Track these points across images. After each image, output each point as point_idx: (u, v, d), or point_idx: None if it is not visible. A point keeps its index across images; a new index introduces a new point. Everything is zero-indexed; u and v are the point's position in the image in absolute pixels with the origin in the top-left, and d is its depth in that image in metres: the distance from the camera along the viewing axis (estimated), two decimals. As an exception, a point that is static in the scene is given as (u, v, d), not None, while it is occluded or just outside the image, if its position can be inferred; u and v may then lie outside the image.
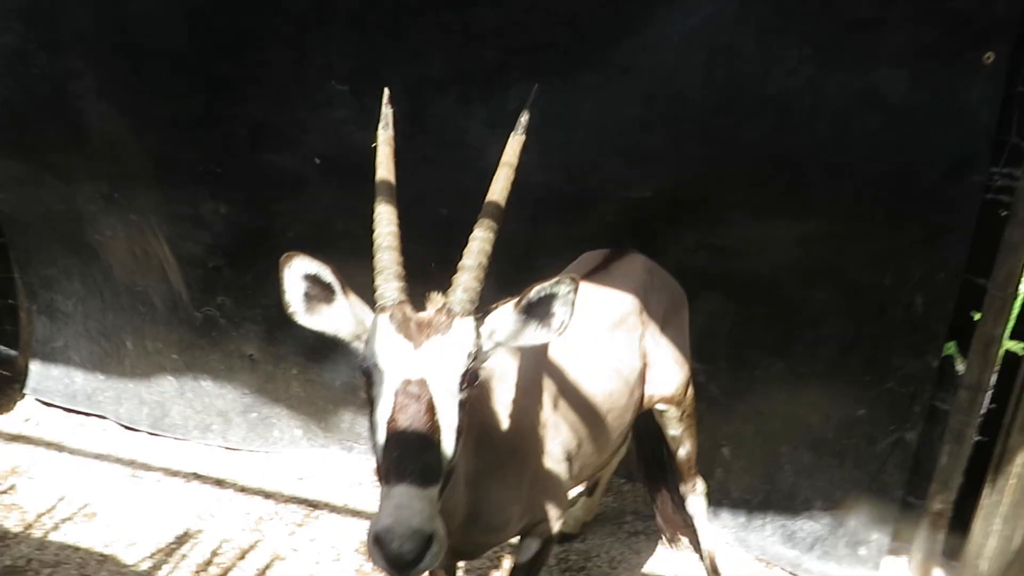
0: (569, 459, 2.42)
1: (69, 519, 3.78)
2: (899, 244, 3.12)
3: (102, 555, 3.55)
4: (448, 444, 1.65)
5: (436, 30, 3.37)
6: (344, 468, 4.22)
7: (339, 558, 3.56)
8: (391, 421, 1.62)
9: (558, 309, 1.83)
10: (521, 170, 3.39)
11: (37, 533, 3.67)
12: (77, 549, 3.58)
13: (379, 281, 1.84)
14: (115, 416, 4.51)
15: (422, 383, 1.65)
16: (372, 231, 2.04)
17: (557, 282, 1.81)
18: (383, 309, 1.78)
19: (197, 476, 4.12)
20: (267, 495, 4.00)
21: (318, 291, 1.86)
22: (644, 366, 2.82)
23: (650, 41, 3.14)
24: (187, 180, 3.92)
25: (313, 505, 3.93)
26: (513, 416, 2.20)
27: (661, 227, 3.43)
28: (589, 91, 3.30)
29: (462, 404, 1.71)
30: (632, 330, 2.77)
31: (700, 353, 3.43)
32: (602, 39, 3.22)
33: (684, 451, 3.21)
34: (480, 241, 1.93)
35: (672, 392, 2.95)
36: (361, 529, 3.74)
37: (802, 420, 3.47)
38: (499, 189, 2.10)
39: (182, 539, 3.66)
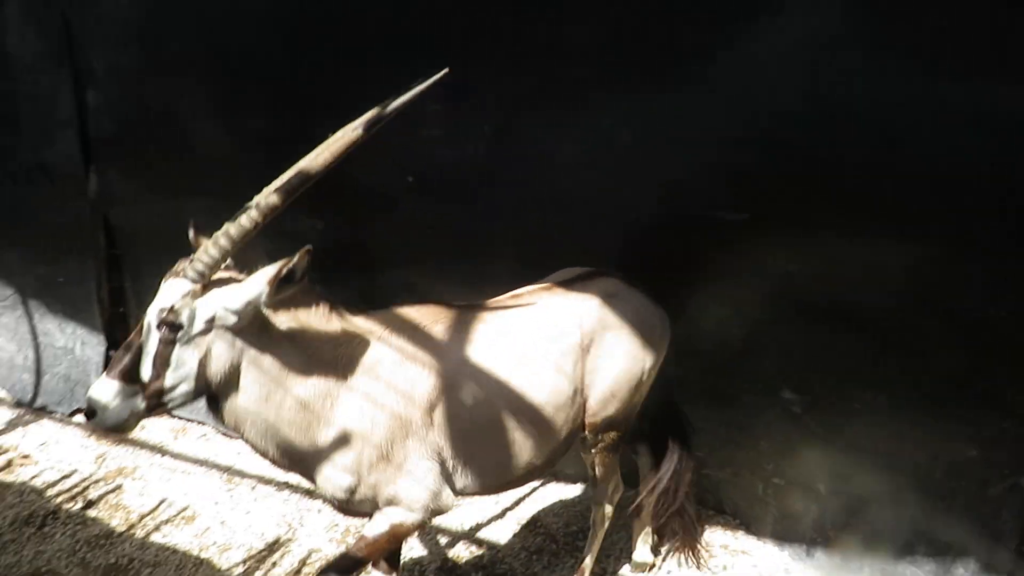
0: (436, 459, 2.54)
1: (169, 521, 3.94)
2: (1017, 271, 2.90)
3: (198, 558, 3.68)
4: (145, 366, 2.22)
5: (526, 49, 3.37)
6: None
7: (423, 574, 3.58)
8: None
9: (299, 268, 2.23)
10: (606, 190, 3.34)
11: (139, 533, 3.84)
12: (175, 551, 3.73)
13: None
14: (214, 423, 4.68)
15: (143, 320, 2.24)
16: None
17: (300, 258, 2.21)
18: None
19: (288, 486, 4.23)
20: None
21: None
22: (578, 390, 2.77)
23: (748, 58, 3.04)
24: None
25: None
26: (346, 400, 2.44)
27: (756, 252, 3.31)
28: (681, 109, 3.23)
29: (164, 340, 2.21)
30: (568, 352, 2.73)
31: (797, 383, 3.29)
32: (697, 56, 3.14)
33: (598, 471, 3.11)
34: (230, 225, 2.22)
35: (598, 418, 2.86)
36: (442, 549, 3.75)
37: (907, 459, 3.26)
38: (285, 175, 2.28)
39: (273, 547, 3.75)
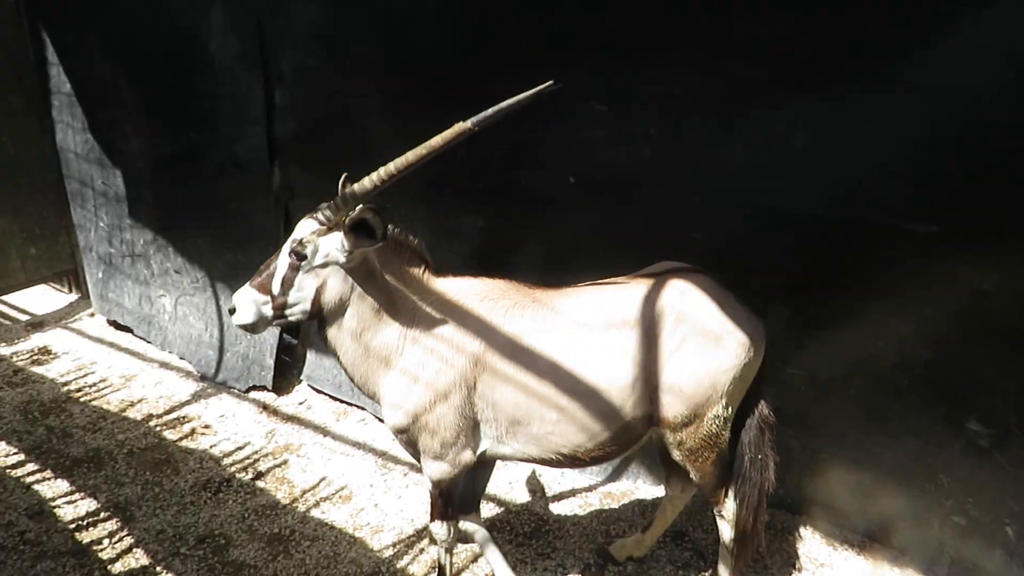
0: (473, 419, 2.84)
1: (328, 499, 4.15)
2: None
3: (352, 537, 3.84)
4: (276, 281, 2.72)
5: (696, 47, 3.26)
6: (574, 487, 4.22)
7: (566, 574, 3.56)
8: None
9: (374, 226, 2.56)
10: (772, 193, 3.19)
11: (301, 508, 4.07)
12: (332, 527, 3.92)
13: None
14: (373, 409, 4.89)
15: (279, 251, 2.75)
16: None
17: (362, 210, 2.54)
18: None
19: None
20: (501, 503, 4.10)
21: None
22: (642, 379, 2.74)
23: (947, 54, 2.79)
24: (450, 194, 4.15)
25: (543, 520, 3.96)
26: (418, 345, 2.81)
27: (945, 266, 3.03)
28: (866, 111, 3.01)
29: (291, 266, 2.70)
30: (633, 340, 2.73)
31: (986, 414, 2.98)
32: (886, 53, 2.92)
33: (694, 476, 2.98)
34: (356, 185, 2.58)
35: (669, 414, 2.78)
36: (581, 552, 3.70)
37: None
38: (408, 155, 2.53)
39: (421, 533, 3.86)
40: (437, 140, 2.51)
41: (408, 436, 2.92)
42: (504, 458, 2.98)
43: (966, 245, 2.96)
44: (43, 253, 6.31)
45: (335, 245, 2.67)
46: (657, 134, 3.50)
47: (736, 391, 2.80)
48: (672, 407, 2.76)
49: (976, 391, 2.95)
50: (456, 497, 3.08)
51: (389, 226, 2.62)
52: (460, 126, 2.51)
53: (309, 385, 5.21)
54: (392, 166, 2.52)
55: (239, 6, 4.51)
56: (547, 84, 2.57)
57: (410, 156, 2.51)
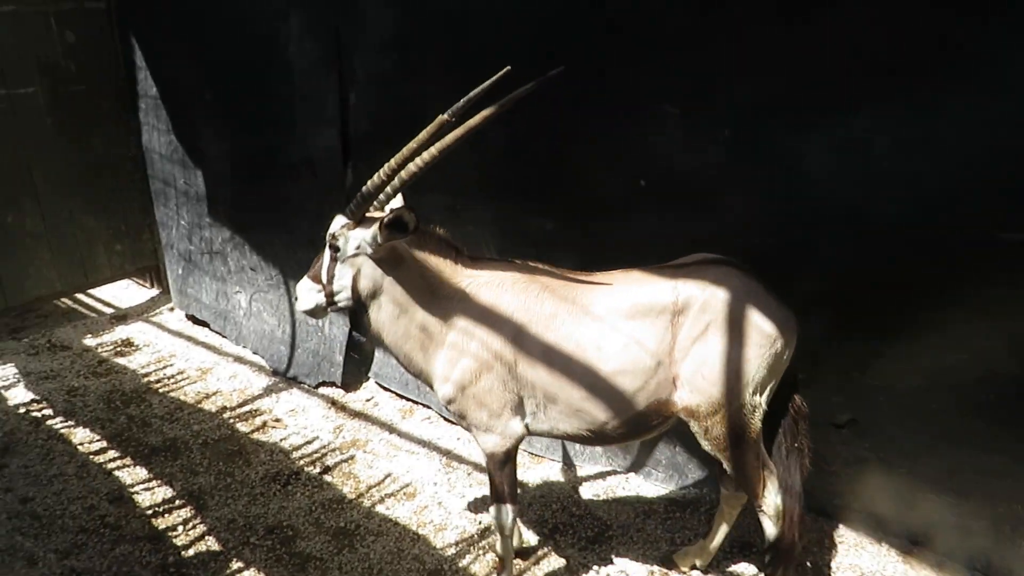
0: (515, 394, 3.00)
1: (392, 495, 4.20)
2: None
3: (416, 534, 3.88)
4: (323, 271, 3.03)
5: (776, 49, 3.19)
6: (639, 493, 4.17)
7: (627, 584, 3.52)
8: None
9: (408, 222, 2.78)
10: (851, 200, 3.10)
11: (366, 503, 4.14)
12: (396, 524, 3.96)
13: None
14: (438, 408, 4.93)
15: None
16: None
17: (400, 211, 2.76)
18: None
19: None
20: (563, 506, 4.08)
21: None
22: (662, 365, 2.84)
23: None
24: (518, 195, 4.16)
25: (607, 525, 3.93)
26: (461, 330, 3.00)
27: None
28: (956, 114, 2.89)
29: (331, 257, 3.00)
30: (651, 325, 2.84)
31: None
32: (979, 54, 2.80)
33: (727, 467, 3.02)
34: (371, 181, 2.86)
35: (691, 405, 2.86)
36: (645, 559, 3.65)
37: None
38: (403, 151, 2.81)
39: (483, 534, 3.87)
40: (422, 135, 2.78)
41: (458, 407, 3.09)
42: (542, 434, 3.12)
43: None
44: (128, 249, 6.58)
45: (364, 237, 2.93)
46: (730, 137, 3.44)
47: (764, 382, 2.83)
48: (695, 395, 2.84)
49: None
50: (514, 476, 3.20)
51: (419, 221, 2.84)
52: (440, 118, 2.75)
53: (376, 382, 5.29)
54: (387, 166, 2.82)
55: (316, 12, 4.62)
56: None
57: (404, 151, 2.80)
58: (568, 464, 4.45)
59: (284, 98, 4.96)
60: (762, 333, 2.78)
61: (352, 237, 2.95)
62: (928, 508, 3.50)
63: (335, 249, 2.99)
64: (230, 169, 5.53)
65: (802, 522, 3.05)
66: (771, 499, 3.00)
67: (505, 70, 2.75)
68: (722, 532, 3.46)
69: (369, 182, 2.85)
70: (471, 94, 2.77)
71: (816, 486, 3.77)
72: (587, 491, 4.21)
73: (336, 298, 3.06)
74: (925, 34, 2.89)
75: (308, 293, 3.09)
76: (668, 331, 2.82)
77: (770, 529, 3.05)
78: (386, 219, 2.80)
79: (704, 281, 2.83)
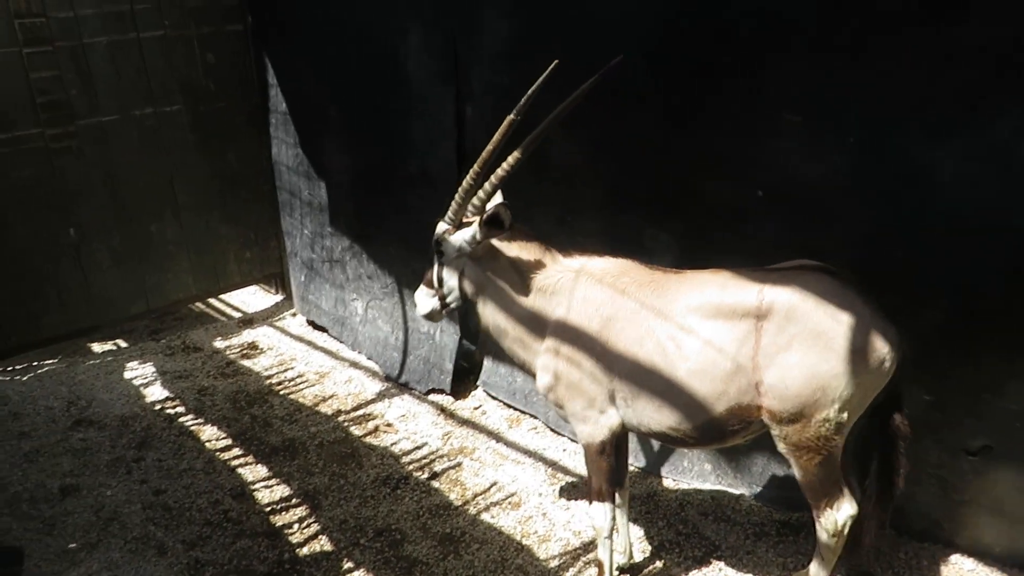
0: (607, 385, 3.05)
1: (498, 504, 4.23)
2: None
3: (520, 544, 3.89)
4: (433, 277, 3.29)
5: (908, 51, 3.02)
6: (750, 515, 4.02)
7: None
8: None
9: (504, 219, 2.99)
10: (999, 214, 2.91)
11: (472, 510, 4.18)
12: (501, 532, 3.98)
13: None
14: (544, 418, 4.93)
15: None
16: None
17: (497, 205, 2.97)
18: None
19: (608, 490, 4.29)
20: (669, 524, 3.99)
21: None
22: (743, 369, 2.78)
23: None
24: (631, 206, 4.12)
25: (715, 546, 3.80)
26: (556, 321, 3.12)
27: None
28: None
29: (438, 262, 3.25)
30: (733, 327, 2.78)
31: None
32: None
33: (796, 473, 2.96)
34: (465, 183, 3.05)
35: (774, 408, 2.78)
36: (763, 584, 3.51)
37: None
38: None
39: (588, 547, 3.83)
40: (496, 136, 2.99)
41: (555, 396, 3.20)
42: (633, 429, 3.17)
43: None
44: (256, 257, 6.95)
45: (463, 238, 3.13)
46: (856, 144, 3.28)
47: (854, 398, 2.73)
48: (776, 403, 2.78)
49: None
50: (611, 471, 3.24)
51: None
52: (509, 119, 2.95)
53: (485, 391, 5.35)
54: (472, 170, 3.02)
55: (434, 28, 4.75)
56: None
57: (484, 154, 2.99)
58: (676, 480, 4.34)
59: (403, 112, 5.12)
60: (851, 348, 2.66)
61: (453, 240, 3.17)
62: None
63: (440, 254, 3.23)
64: (351, 181, 5.75)
65: (879, 539, 3.08)
66: (832, 516, 2.95)
67: (554, 64, 2.98)
68: (829, 557, 3.24)
69: (460, 188, 3.07)
70: (529, 91, 2.96)
71: (943, 515, 3.53)
72: (695, 509, 4.09)
73: (448, 300, 3.30)
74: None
75: (424, 298, 3.36)
76: (751, 335, 2.76)
77: (823, 539, 3.03)
78: (486, 215, 3.00)
79: (792, 287, 2.74)
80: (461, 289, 3.26)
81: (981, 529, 3.47)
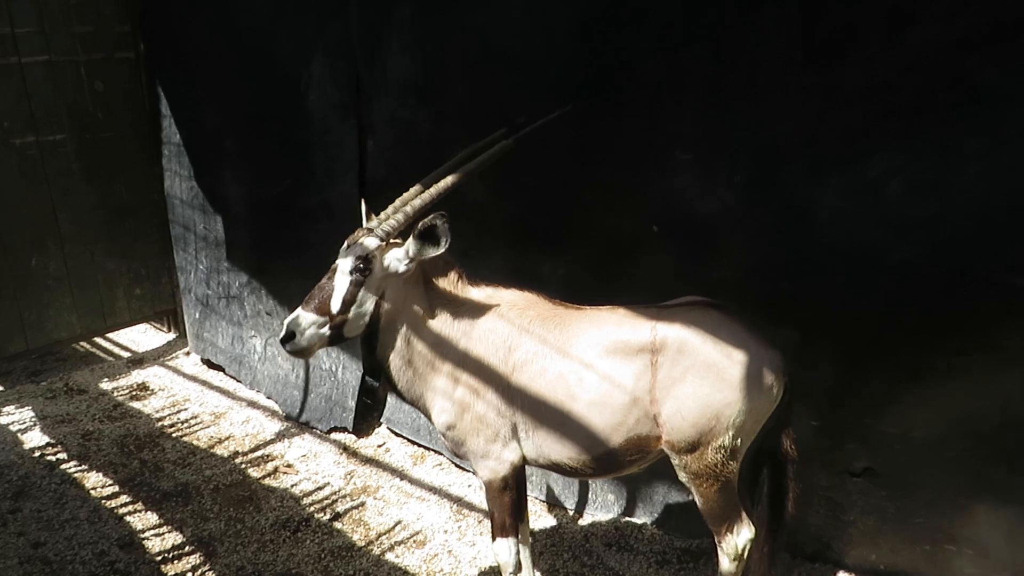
0: (510, 418, 3.03)
1: (403, 543, 4.14)
2: None
3: (425, 583, 3.82)
4: (335, 301, 2.86)
5: (794, 94, 3.21)
6: (653, 543, 4.08)
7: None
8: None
9: (441, 233, 2.81)
10: (875, 248, 3.09)
11: (376, 551, 4.08)
12: (406, 572, 3.90)
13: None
14: (450, 454, 4.88)
15: (334, 268, 2.90)
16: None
17: (434, 217, 2.77)
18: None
19: (513, 524, 4.27)
20: (574, 556, 4.00)
21: None
22: (638, 402, 2.86)
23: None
24: (534, 240, 4.18)
25: (618, 575, 3.84)
26: (459, 357, 3.05)
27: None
28: (972, 159, 2.90)
29: (354, 282, 2.86)
30: (630, 362, 2.87)
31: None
32: (997, 100, 2.81)
33: (697, 501, 3.04)
34: (418, 198, 2.95)
35: (673, 439, 2.88)
36: (666, 612, 3.56)
37: None
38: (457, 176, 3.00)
39: (494, 583, 3.80)
40: (479, 160, 3.06)
41: (457, 432, 3.09)
42: (532, 461, 3.14)
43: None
44: (147, 293, 6.66)
45: (397, 256, 2.92)
46: (744, 181, 3.45)
47: (746, 424, 2.85)
48: (674, 433, 2.87)
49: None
50: (514, 506, 3.19)
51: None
52: (498, 136, 3.12)
53: (388, 428, 5.27)
54: (439, 185, 2.96)
55: (337, 60, 4.73)
56: (567, 107, 3.33)
57: (452, 180, 2.97)
58: (581, 513, 4.37)
59: (303, 144, 5.05)
60: (743, 376, 2.79)
61: (387, 257, 2.91)
62: (947, 561, 3.40)
63: (365, 272, 2.88)
64: (249, 214, 5.61)
65: (771, 563, 3.14)
66: (733, 540, 3.04)
67: (571, 105, 3.33)
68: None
69: (404, 201, 3.00)
70: (537, 123, 3.19)
71: (832, 536, 3.68)
72: (599, 540, 4.13)
73: (347, 328, 2.93)
74: (949, 79, 2.91)
75: (310, 327, 2.86)
76: (648, 370, 2.85)
77: (725, 565, 3.10)
78: (422, 225, 2.81)
79: (682, 322, 2.86)
80: (376, 315, 2.97)
81: (867, 548, 3.63)
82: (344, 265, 2.89)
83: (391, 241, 2.95)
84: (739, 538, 3.04)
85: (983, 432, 3.16)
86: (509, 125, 3.28)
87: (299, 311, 2.87)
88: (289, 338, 2.86)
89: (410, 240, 2.87)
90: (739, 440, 2.86)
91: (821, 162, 3.23)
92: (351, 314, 2.90)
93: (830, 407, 3.50)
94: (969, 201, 2.96)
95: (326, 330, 2.88)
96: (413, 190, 3.07)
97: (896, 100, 3.02)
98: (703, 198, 3.56)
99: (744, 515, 3.05)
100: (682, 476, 3.00)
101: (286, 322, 2.87)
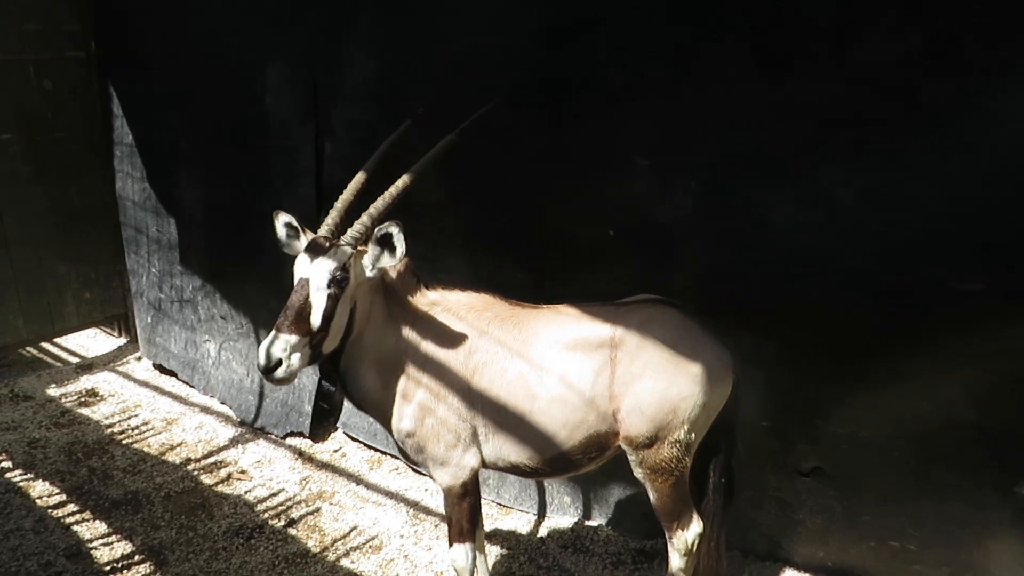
0: (470, 422, 3.02)
1: (358, 548, 4.12)
2: None
3: (381, 588, 3.80)
4: (316, 317, 2.70)
5: (748, 104, 3.29)
6: (608, 544, 4.12)
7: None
8: (287, 300, 2.71)
9: (397, 242, 2.72)
10: (826, 255, 3.18)
11: (331, 557, 4.05)
12: (361, 578, 3.88)
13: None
14: (407, 461, 4.86)
15: (304, 280, 2.72)
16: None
17: (389, 224, 2.71)
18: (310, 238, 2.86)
19: (470, 528, 4.28)
20: (530, 558, 4.03)
21: (292, 232, 2.99)
22: (597, 399, 2.91)
23: (1005, 115, 2.80)
24: (491, 244, 4.20)
25: (575, 578, 3.88)
26: (417, 358, 3.01)
27: (994, 326, 2.96)
28: (918, 169, 3.01)
29: (330, 296, 2.71)
30: (590, 359, 2.91)
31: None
32: (941, 112, 2.92)
33: (651, 497, 3.10)
34: (380, 200, 2.90)
35: (631, 433, 2.93)
36: (621, 613, 3.60)
37: None
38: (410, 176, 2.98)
39: (450, 587, 3.80)
40: (427, 158, 3.06)
41: (418, 439, 3.05)
42: (492, 464, 3.14)
43: (1015, 305, 2.89)
44: (97, 298, 6.51)
45: (365, 263, 2.83)
46: (699, 188, 3.52)
47: (700, 419, 2.93)
48: (633, 428, 2.92)
49: (1028, 457, 2.84)
50: (471, 513, 3.18)
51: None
52: (448, 138, 3.10)
53: (345, 433, 5.23)
54: (398, 187, 2.94)
55: (294, 64, 4.70)
56: (497, 100, 3.30)
57: (407, 180, 2.96)
58: (538, 515, 4.40)
59: (260, 147, 5.01)
60: (696, 371, 2.87)
61: (360, 265, 2.80)
62: (892, 557, 3.50)
63: (342, 285, 2.73)
64: (204, 217, 5.53)
65: (720, 555, 3.20)
66: (683, 536, 3.11)
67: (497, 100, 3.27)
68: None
69: (372, 209, 2.86)
70: (474, 116, 3.19)
71: (783, 535, 3.77)
72: (556, 542, 4.15)
73: (327, 343, 2.79)
74: (895, 92, 3.01)
75: (295, 351, 2.67)
76: (607, 366, 2.90)
77: (675, 561, 3.16)
78: (379, 232, 2.73)
79: (640, 319, 2.94)
80: (349, 326, 2.84)
81: (816, 545, 3.72)
82: (318, 278, 2.71)
83: (358, 248, 2.83)
84: (689, 533, 3.10)
85: (926, 433, 3.26)
86: (413, 115, 3.50)
87: (278, 336, 2.65)
88: (274, 367, 2.64)
89: (370, 246, 2.79)
90: (693, 434, 2.94)
91: (774, 171, 3.32)
92: (331, 329, 2.76)
93: (780, 409, 3.59)
94: (915, 209, 3.06)
95: (307, 349, 2.72)
96: (357, 179, 3.09)
97: (844, 112, 3.12)
98: (660, 204, 3.62)
99: (694, 511, 3.12)
100: (638, 472, 3.05)
101: (264, 350, 2.63)
